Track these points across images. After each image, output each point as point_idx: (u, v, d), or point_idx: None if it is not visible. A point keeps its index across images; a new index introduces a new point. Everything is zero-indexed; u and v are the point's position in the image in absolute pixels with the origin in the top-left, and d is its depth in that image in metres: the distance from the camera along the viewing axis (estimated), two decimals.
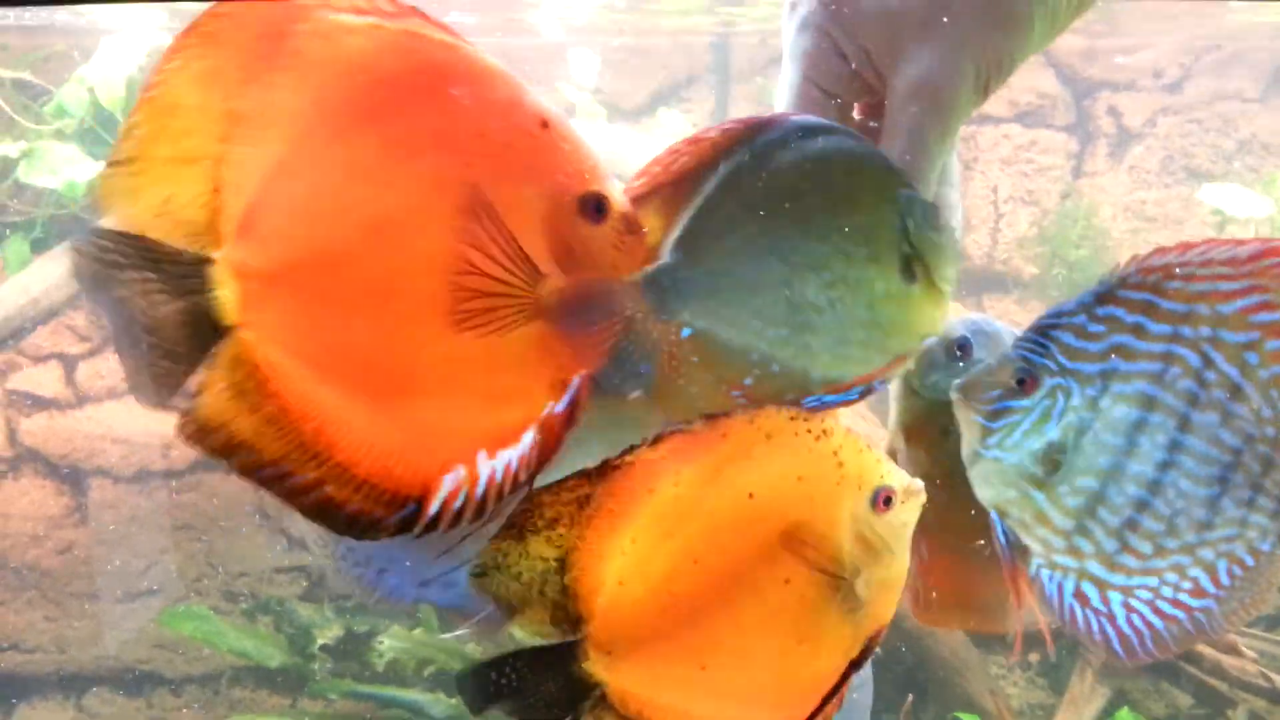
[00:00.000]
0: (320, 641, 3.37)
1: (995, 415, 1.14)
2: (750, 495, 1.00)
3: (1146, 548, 1.13)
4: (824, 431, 1.01)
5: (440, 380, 0.94)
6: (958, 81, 1.02)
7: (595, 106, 3.39)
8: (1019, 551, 1.15)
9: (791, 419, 1.01)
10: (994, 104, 4.43)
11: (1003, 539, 1.14)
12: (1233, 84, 4.64)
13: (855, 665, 1.03)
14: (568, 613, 1.02)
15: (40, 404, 4.12)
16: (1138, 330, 1.10)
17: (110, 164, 0.89)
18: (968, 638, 4.27)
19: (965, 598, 1.22)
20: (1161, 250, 1.11)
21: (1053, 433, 1.12)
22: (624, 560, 1.01)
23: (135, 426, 4.10)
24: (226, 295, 0.91)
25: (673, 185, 1.06)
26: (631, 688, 1.02)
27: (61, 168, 2.77)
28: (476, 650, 3.54)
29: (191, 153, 0.90)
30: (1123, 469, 1.12)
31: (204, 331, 0.91)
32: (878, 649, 1.04)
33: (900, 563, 1.03)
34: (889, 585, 1.04)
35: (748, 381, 1.04)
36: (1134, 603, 1.13)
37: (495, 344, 0.93)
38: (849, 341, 1.06)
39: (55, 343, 4.08)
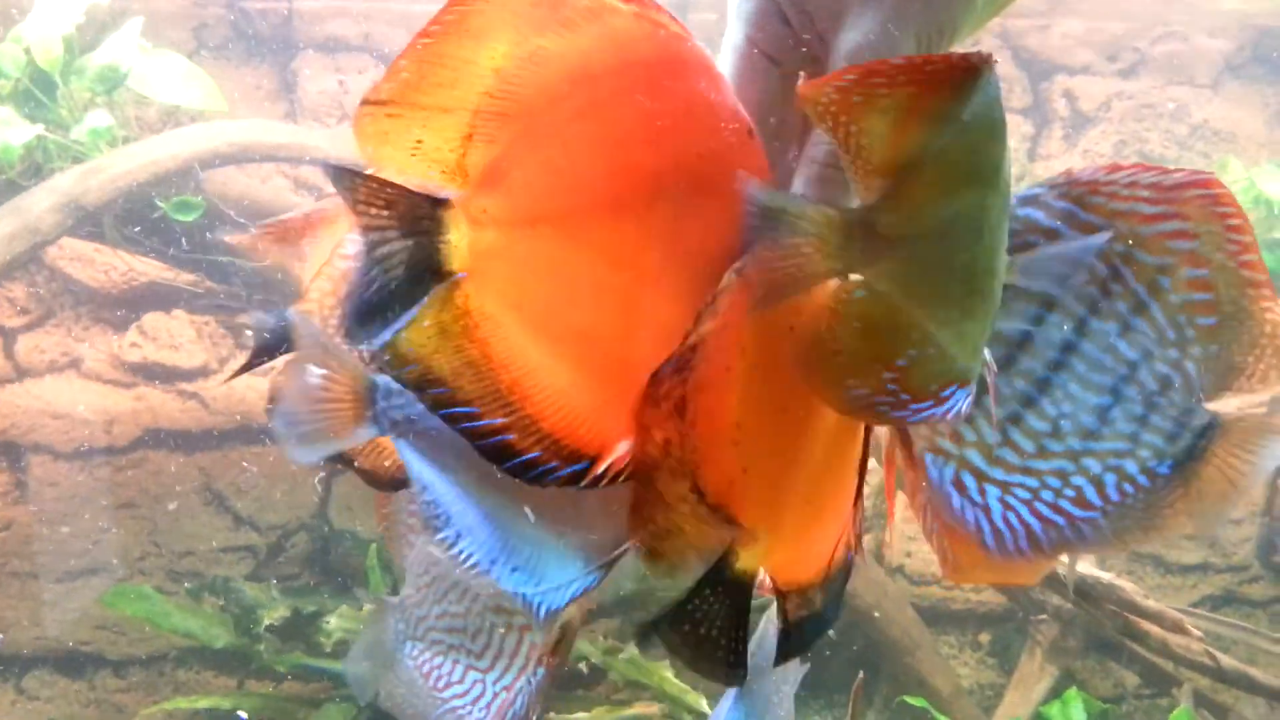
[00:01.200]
0: (266, 622, 3.31)
1: None
2: (791, 329, 1.00)
3: (1029, 445, 1.13)
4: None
5: (648, 355, 0.96)
6: (898, 50, 1.01)
7: None
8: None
9: None
10: None
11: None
12: (1186, 70, 4.69)
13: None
14: (719, 531, 1.01)
15: None
16: (1050, 234, 1.12)
17: (367, 101, 0.92)
18: (918, 618, 4.31)
19: (988, 554, 1.19)
20: (1092, 168, 1.13)
21: None
22: (738, 450, 1.00)
23: (76, 401, 4.01)
24: (456, 240, 0.93)
25: None
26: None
27: None
28: None
29: (452, 103, 0.93)
30: (1015, 362, 1.13)
31: (426, 272, 0.92)
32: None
33: None
34: None
35: (901, 362, 0.99)
36: (1010, 500, 1.14)
37: None
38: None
39: None
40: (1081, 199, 1.12)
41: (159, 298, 4.04)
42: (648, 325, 0.97)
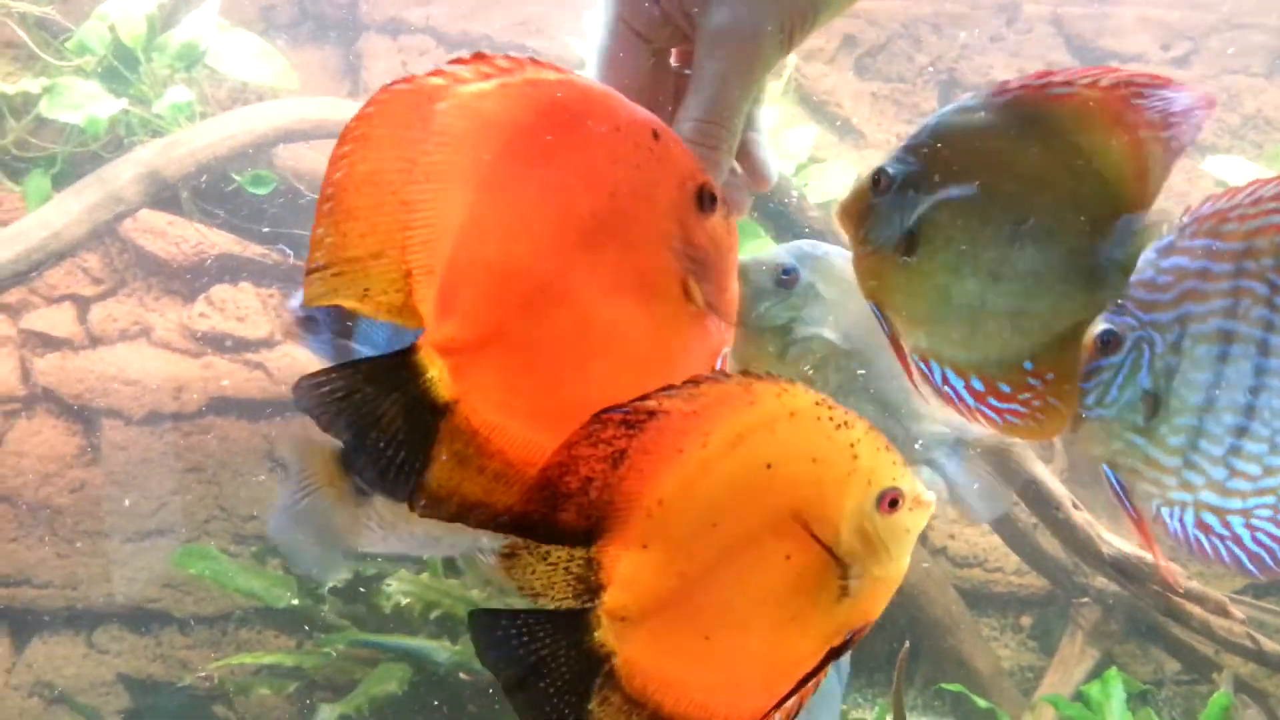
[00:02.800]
0: (329, 584, 3.44)
1: (1087, 378, 1.19)
2: (768, 466, 1.02)
3: (1255, 469, 1.17)
4: (845, 423, 1.03)
5: (616, 387, 1.00)
6: (762, 31, 1.02)
7: None
8: (1136, 499, 1.20)
9: (816, 404, 1.02)
10: (1003, 72, 4.47)
11: (1120, 491, 1.19)
12: (1240, 59, 4.67)
13: (835, 653, 1.05)
14: (588, 584, 1.02)
15: (53, 344, 4.17)
16: (1203, 274, 1.15)
17: (309, 271, 0.96)
18: (960, 599, 4.35)
19: (1254, 576, 1.25)
20: (1213, 198, 1.16)
21: (1145, 381, 1.17)
22: (649, 523, 1.01)
23: (146, 369, 4.16)
24: (436, 375, 0.96)
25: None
26: (640, 658, 1.03)
27: (84, 103, 2.81)
28: (482, 596, 3.61)
29: (377, 249, 0.95)
30: (1215, 401, 1.16)
31: (424, 414, 0.96)
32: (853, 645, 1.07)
33: (897, 566, 1.05)
34: (882, 584, 1.05)
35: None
36: (1256, 521, 1.17)
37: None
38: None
39: (69, 284, 4.13)
40: (1215, 230, 1.15)
41: (226, 270, 4.18)
42: (628, 383, 0.98)
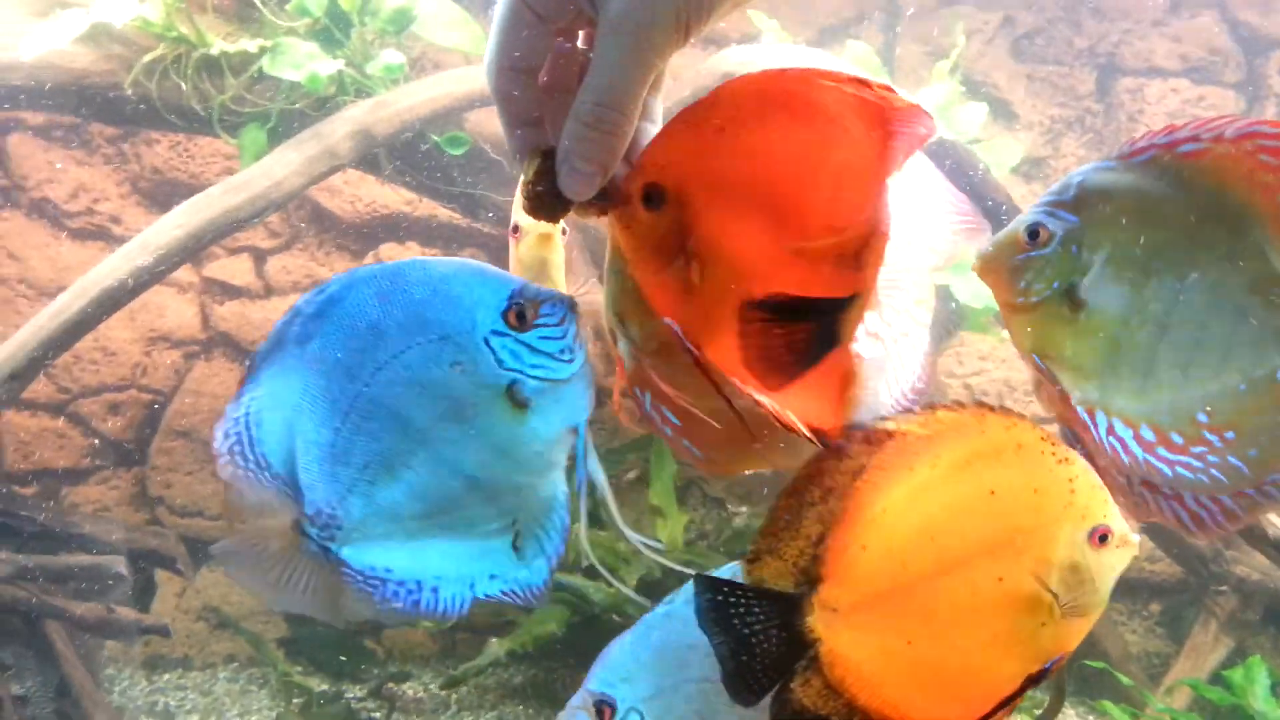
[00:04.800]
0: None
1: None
2: (991, 492, 1.11)
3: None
4: (1066, 459, 1.12)
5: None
6: (656, 19, 1.01)
7: (781, 33, 3.52)
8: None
9: (1043, 439, 1.11)
10: (1165, 58, 4.44)
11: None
12: None
13: (1032, 681, 1.13)
14: (808, 575, 1.12)
15: (232, 293, 4.43)
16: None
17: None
18: None
19: (733, 445, 1.26)
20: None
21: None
22: (871, 528, 1.11)
23: None
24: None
25: None
26: (844, 650, 1.12)
27: (304, 62, 3.00)
28: (629, 547, 3.75)
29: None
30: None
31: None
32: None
33: (1099, 599, 1.12)
34: (1083, 617, 1.13)
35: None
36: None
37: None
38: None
39: (249, 237, 4.37)
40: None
41: (396, 229, 4.38)
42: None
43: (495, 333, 1.19)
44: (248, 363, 1.25)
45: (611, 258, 1.13)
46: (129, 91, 3.18)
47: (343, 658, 4.28)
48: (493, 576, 1.23)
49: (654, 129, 1.14)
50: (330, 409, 1.20)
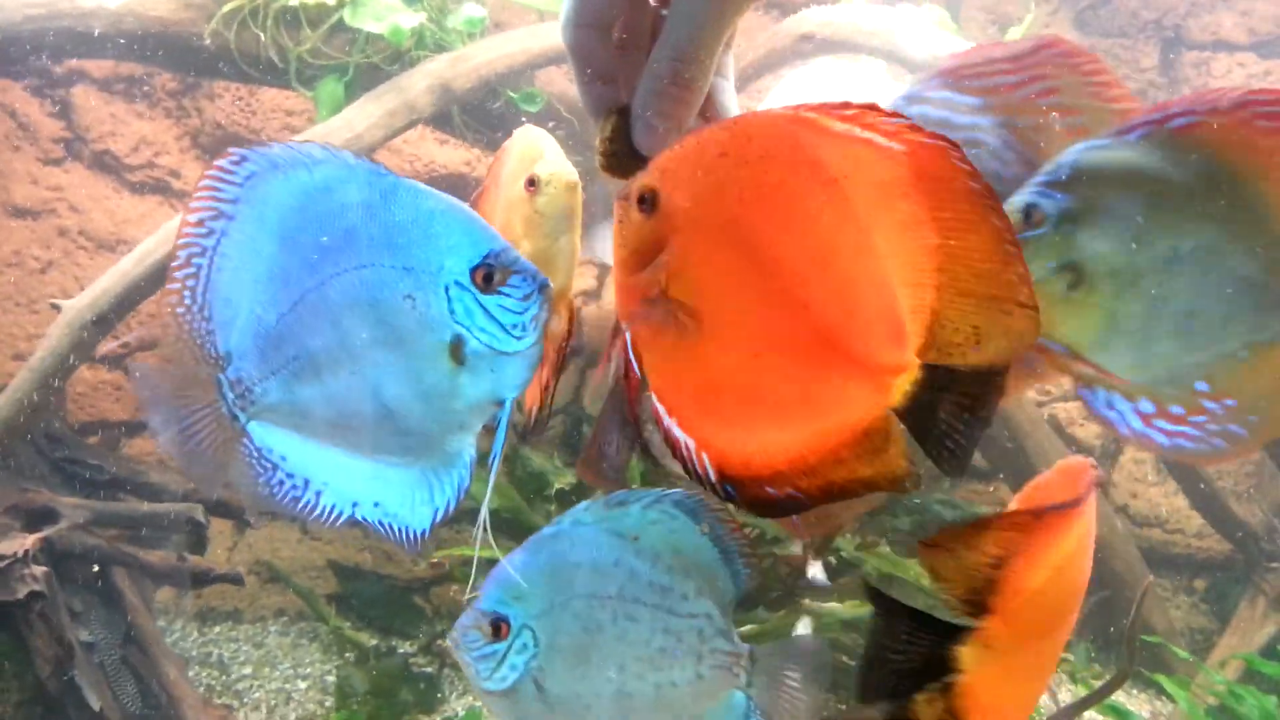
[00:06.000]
0: (557, 486, 3.63)
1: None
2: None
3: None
4: None
5: None
6: None
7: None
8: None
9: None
10: (1232, 30, 4.40)
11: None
12: None
13: None
14: (977, 596, 1.14)
15: None
16: (943, 124, 1.23)
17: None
18: (1140, 556, 4.39)
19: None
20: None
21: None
22: (1049, 576, 1.14)
23: None
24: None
25: None
26: (979, 687, 1.14)
27: (385, 15, 2.99)
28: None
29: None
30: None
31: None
32: None
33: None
34: None
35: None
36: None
37: None
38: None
39: None
40: (957, 85, 1.23)
41: (455, 189, 4.38)
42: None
43: (458, 284, 1.18)
44: (246, 163, 1.21)
45: None
46: (207, 41, 3.18)
47: (391, 614, 4.32)
48: (377, 504, 1.22)
49: (728, 85, 1.13)
50: (282, 293, 1.20)
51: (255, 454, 1.24)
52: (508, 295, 1.18)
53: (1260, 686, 3.60)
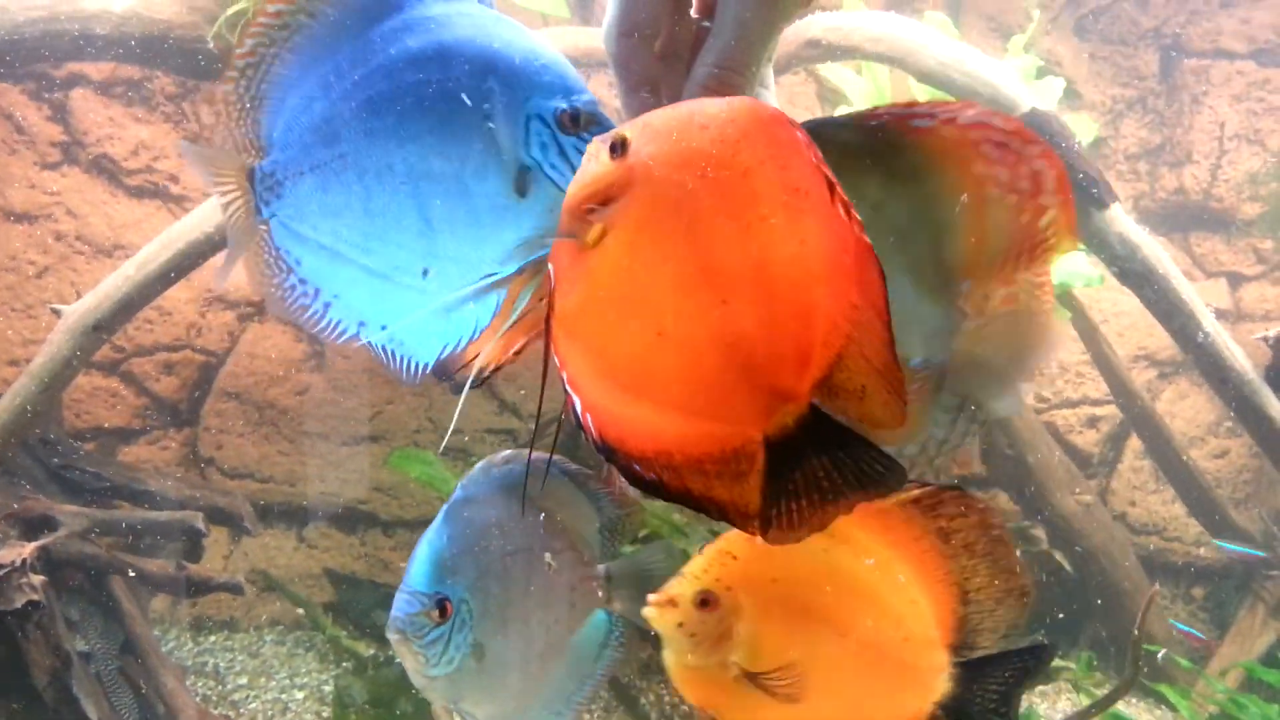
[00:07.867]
0: None
1: None
2: None
3: None
4: None
5: None
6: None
7: (854, 3, 3.49)
8: None
9: None
10: (1231, 38, 4.41)
11: None
12: None
13: None
14: None
15: None
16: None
17: None
18: (1139, 564, 4.39)
19: None
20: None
21: None
22: None
23: None
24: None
25: None
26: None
27: None
28: (678, 517, 3.74)
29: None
30: None
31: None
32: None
33: None
34: None
35: None
36: None
37: None
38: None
39: None
40: None
41: None
42: None
43: (539, 118, 1.15)
44: None
45: None
46: (211, 44, 3.16)
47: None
48: (384, 327, 1.19)
49: (769, 95, 1.12)
50: (348, 85, 1.17)
51: (273, 253, 1.21)
52: (586, 140, 1.14)
53: (1261, 694, 3.60)
